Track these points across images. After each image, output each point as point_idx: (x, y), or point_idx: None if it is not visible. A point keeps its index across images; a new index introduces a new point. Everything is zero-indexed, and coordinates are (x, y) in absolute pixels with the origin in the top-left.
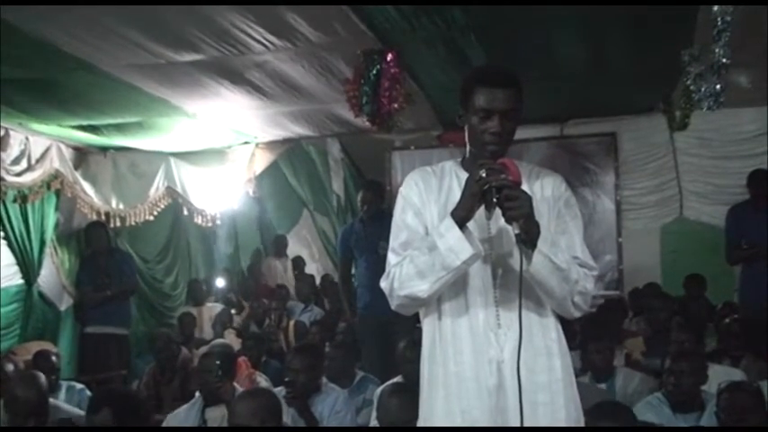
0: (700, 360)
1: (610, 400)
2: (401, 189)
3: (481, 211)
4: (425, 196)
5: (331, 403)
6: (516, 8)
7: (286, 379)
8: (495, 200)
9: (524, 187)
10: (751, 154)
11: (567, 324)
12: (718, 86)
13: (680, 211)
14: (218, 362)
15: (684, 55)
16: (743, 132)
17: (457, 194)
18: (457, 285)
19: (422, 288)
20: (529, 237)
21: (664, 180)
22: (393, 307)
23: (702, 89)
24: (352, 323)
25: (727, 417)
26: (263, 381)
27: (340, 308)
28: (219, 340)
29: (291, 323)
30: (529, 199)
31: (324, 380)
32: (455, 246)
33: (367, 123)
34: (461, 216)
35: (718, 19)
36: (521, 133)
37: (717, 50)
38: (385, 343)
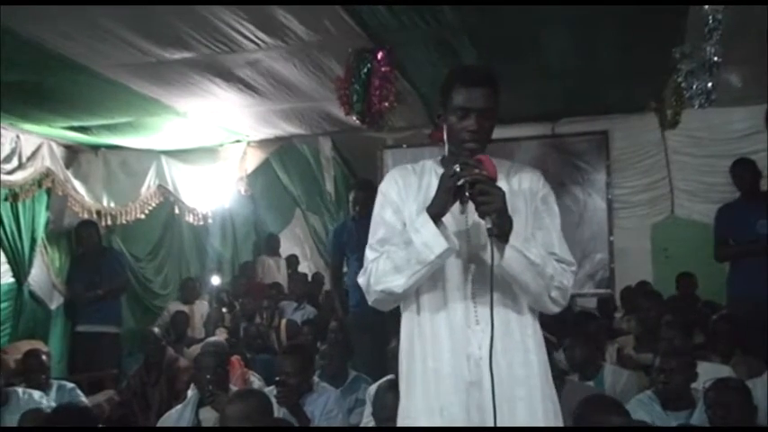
0: (689, 358)
1: (598, 394)
2: (381, 186)
3: (458, 206)
4: (405, 193)
5: (323, 403)
6: (507, 7)
7: (277, 379)
8: (468, 194)
9: (501, 183)
10: (742, 153)
11: (560, 323)
12: (709, 84)
13: (671, 210)
14: (212, 362)
15: (676, 52)
16: (734, 131)
17: None
18: (435, 280)
19: (398, 283)
20: (501, 231)
21: (655, 178)
22: (370, 303)
23: (694, 86)
24: (344, 322)
25: (714, 415)
26: (256, 380)
27: (331, 306)
28: (213, 338)
29: (283, 322)
30: (502, 194)
31: (315, 379)
32: (430, 241)
33: (358, 122)
34: (436, 211)
35: (710, 17)
36: (512, 132)
37: (708, 48)
38: (377, 341)
